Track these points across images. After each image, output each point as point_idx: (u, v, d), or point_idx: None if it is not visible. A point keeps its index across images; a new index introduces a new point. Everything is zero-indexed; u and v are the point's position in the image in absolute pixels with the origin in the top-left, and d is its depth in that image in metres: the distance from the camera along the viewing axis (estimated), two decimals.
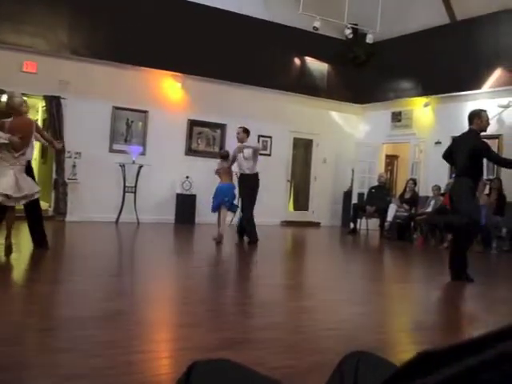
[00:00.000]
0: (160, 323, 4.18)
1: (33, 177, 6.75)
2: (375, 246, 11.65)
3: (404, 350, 3.64)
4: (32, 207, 6.64)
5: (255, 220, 10.47)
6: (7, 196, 6.08)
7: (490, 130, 11.22)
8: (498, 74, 11.11)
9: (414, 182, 12.59)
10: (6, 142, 6.13)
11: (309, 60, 13.92)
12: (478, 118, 6.58)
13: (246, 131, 9.55)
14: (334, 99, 14.27)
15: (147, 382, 2.78)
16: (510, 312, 5.22)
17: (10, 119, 6.46)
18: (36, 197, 6.51)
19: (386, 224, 12.40)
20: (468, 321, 5.05)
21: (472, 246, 7.01)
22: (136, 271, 6.58)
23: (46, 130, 10.89)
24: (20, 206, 6.52)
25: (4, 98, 6.90)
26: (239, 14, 12.54)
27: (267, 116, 13.40)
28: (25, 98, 6.86)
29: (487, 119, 6.68)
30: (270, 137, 13.73)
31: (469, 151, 6.44)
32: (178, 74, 12.19)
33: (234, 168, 9.57)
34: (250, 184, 9.42)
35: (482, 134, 6.67)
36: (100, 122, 11.54)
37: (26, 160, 6.52)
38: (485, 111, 6.77)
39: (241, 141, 9.45)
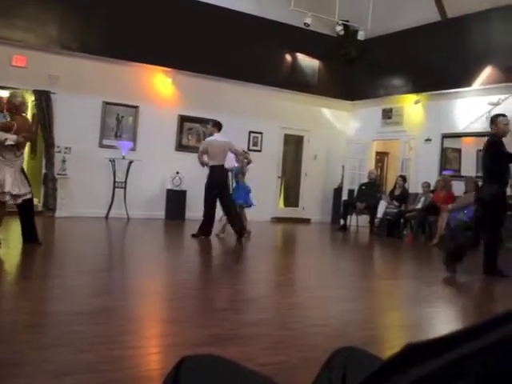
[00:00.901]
0: (150, 319, 4.18)
1: (25, 175, 6.74)
2: (365, 243, 11.69)
3: (393, 346, 3.66)
4: (27, 206, 6.61)
5: (246, 215, 10.47)
6: (10, 194, 6.15)
7: (480, 128, 11.37)
8: (488, 71, 11.16)
9: (404, 178, 12.62)
10: (13, 143, 6.16)
11: (300, 56, 13.92)
12: (494, 123, 6.62)
13: (216, 125, 9.40)
14: (325, 96, 14.28)
15: (137, 378, 2.78)
16: (499, 307, 5.26)
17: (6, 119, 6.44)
18: (28, 197, 6.50)
19: (376, 220, 12.44)
20: (458, 317, 5.08)
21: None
22: (126, 267, 6.57)
23: (36, 124, 10.85)
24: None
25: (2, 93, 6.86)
26: (231, 9, 12.50)
27: (258, 112, 13.39)
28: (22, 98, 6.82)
29: (505, 123, 6.64)
30: (261, 133, 13.73)
31: (486, 157, 6.55)
32: (168, 69, 12.15)
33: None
34: None
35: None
36: (90, 117, 11.49)
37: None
38: (503, 116, 6.75)
39: (210, 134, 9.43)
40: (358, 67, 14.13)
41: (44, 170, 11.10)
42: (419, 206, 11.68)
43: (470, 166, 11.66)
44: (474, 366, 0.59)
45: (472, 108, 11.77)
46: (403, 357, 0.66)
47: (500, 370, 0.57)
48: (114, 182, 11.54)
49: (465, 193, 10.88)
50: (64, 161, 11.16)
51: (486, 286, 6.75)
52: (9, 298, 4.47)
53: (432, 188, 11.65)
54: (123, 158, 11.51)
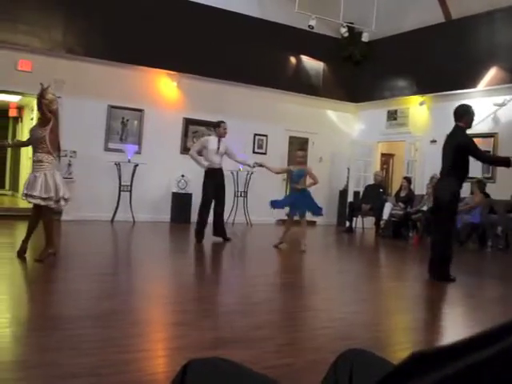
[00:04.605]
0: (155, 322, 4.17)
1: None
2: (371, 245, 11.66)
3: (399, 349, 3.65)
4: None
5: (252, 218, 10.35)
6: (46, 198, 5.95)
7: (486, 129, 11.34)
8: (493, 72, 11.13)
9: (408, 180, 12.60)
10: None
11: (304, 59, 13.92)
12: (467, 115, 6.60)
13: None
14: (330, 98, 14.28)
15: (143, 381, 2.77)
16: (506, 311, 5.23)
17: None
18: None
19: (382, 222, 12.41)
20: (463, 320, 5.06)
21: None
22: (131, 270, 6.57)
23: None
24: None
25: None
26: (235, 12, 12.52)
27: (263, 115, 13.40)
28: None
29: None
30: (266, 135, 13.73)
31: (455, 148, 6.41)
32: (173, 72, 12.18)
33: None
34: (223, 178, 9.30)
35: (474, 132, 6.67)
36: (95, 120, 11.51)
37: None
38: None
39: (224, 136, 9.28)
40: (363, 69, 14.12)
41: None
42: (425, 207, 11.65)
43: (475, 168, 11.61)
44: (482, 375, 0.58)
45: (477, 109, 11.71)
46: (410, 366, 0.66)
47: (509, 379, 0.56)
48: (120, 185, 11.56)
49: (471, 194, 10.87)
50: (70, 164, 11.18)
51: (492, 289, 6.72)
52: (15, 301, 4.48)
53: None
54: (129, 161, 11.53)
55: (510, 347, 0.57)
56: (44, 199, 5.94)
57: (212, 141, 9.18)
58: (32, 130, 6.25)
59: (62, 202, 6.20)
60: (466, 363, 0.59)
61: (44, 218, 6.08)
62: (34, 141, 6.06)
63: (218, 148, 9.08)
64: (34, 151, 6.06)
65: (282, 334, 3.90)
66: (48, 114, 6.03)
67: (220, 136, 9.17)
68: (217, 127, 9.28)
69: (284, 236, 8.92)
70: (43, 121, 6.07)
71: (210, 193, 9.12)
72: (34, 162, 6.04)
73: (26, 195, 5.95)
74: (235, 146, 9.78)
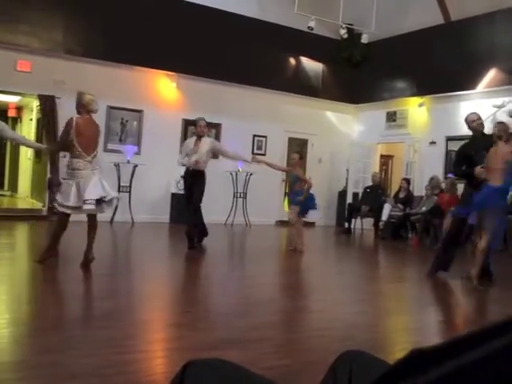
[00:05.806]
0: (154, 323, 4.17)
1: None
2: (370, 246, 11.66)
3: (398, 350, 3.65)
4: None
5: (251, 219, 10.20)
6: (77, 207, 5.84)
7: (485, 130, 11.32)
8: (492, 73, 11.14)
9: (408, 181, 12.60)
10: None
11: (304, 60, 13.93)
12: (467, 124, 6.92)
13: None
14: (329, 99, 14.27)
15: (142, 382, 2.78)
16: (505, 311, 5.24)
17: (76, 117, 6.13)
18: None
19: (381, 224, 12.41)
20: (462, 320, 5.06)
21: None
22: (130, 271, 6.57)
23: (40, 129, 10.85)
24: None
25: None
26: (234, 13, 12.51)
27: (262, 116, 13.39)
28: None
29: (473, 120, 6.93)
30: (265, 136, 13.73)
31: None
32: (172, 73, 12.18)
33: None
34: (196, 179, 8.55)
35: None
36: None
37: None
38: (471, 113, 7.02)
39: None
40: (362, 70, 14.12)
41: (49, 175, 11.11)
42: (424, 208, 11.65)
43: None
44: (481, 372, 0.58)
45: (476, 110, 11.70)
46: (410, 363, 0.66)
47: (508, 375, 0.57)
48: (119, 186, 11.55)
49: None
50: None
51: (491, 289, 6.71)
52: (15, 302, 4.48)
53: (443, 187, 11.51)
54: (128, 162, 11.53)
55: (510, 343, 0.58)
56: (78, 208, 5.89)
57: (190, 141, 8.83)
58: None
59: (104, 205, 6.06)
60: (467, 360, 0.59)
61: (57, 221, 6.05)
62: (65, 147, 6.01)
63: (195, 148, 8.52)
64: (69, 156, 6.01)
65: (280, 334, 3.90)
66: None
67: (198, 135, 8.67)
68: (194, 125, 8.85)
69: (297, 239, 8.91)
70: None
71: (185, 193, 8.94)
72: (67, 167, 6.01)
73: (61, 205, 5.87)
74: (235, 147, 9.77)
